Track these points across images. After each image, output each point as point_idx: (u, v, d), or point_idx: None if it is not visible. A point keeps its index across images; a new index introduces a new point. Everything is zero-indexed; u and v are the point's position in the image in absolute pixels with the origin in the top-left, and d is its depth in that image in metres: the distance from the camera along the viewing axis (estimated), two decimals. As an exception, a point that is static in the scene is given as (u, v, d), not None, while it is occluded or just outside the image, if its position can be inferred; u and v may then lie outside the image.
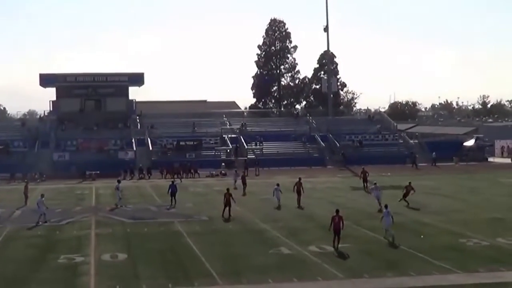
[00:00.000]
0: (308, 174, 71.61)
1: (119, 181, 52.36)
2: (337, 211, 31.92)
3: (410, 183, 48.84)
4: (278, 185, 49.26)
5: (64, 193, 60.79)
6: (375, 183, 48.46)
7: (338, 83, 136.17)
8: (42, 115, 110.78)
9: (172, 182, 51.81)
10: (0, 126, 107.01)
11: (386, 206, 34.13)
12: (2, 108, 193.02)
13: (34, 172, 75.18)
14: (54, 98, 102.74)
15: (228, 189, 44.68)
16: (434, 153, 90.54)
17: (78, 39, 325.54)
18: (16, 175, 73.72)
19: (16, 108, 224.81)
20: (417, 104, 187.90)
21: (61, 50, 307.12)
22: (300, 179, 50.12)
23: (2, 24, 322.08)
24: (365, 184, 58.54)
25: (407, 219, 40.06)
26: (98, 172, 74.71)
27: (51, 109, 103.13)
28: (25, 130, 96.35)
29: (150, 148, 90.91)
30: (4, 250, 33.15)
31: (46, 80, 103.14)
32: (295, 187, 49.21)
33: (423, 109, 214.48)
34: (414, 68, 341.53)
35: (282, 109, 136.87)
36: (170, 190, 49.68)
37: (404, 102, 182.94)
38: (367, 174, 59.41)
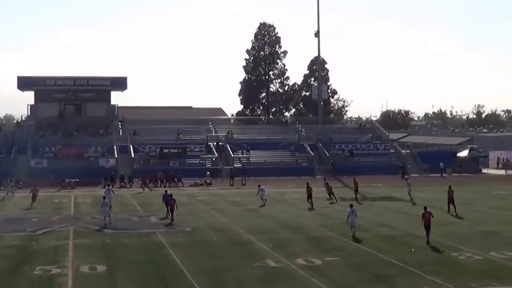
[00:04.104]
0: (296, 184, 71.71)
1: (109, 185, 59.67)
2: (425, 208, 36.84)
3: (450, 187, 50.64)
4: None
5: (41, 201, 60.14)
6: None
7: (329, 90, 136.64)
8: (19, 120, 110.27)
9: (166, 191, 49.69)
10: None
11: (351, 206, 38.85)
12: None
13: (9, 179, 74.47)
14: (33, 102, 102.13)
15: (171, 194, 45.46)
16: (441, 163, 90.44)
17: (56, 39, 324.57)
18: (-10, 182, 73.16)
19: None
20: (409, 113, 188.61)
21: (38, 52, 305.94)
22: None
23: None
24: (357, 195, 58.96)
25: (399, 232, 40.14)
26: (78, 180, 74.40)
27: (29, 113, 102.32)
28: (1, 135, 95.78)
29: (132, 156, 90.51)
30: (-25, 261, 32.75)
31: (24, 83, 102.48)
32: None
33: (416, 118, 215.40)
34: (406, 76, 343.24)
35: (271, 116, 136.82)
36: (164, 200, 47.98)
37: (396, 111, 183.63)
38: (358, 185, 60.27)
